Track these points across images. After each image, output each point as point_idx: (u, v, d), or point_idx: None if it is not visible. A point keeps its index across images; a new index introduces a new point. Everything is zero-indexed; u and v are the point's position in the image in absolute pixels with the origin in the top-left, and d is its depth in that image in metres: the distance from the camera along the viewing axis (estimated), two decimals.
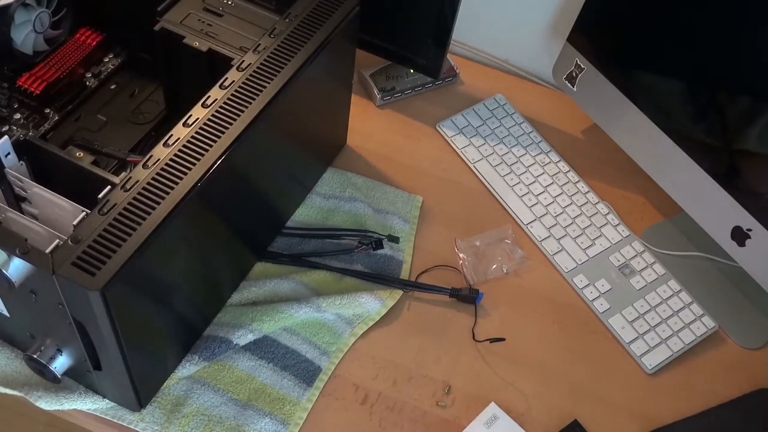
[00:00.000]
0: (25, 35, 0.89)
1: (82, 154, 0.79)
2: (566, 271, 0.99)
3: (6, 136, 0.77)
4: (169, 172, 0.69)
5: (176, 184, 0.69)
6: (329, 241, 0.97)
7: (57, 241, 0.64)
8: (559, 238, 1.01)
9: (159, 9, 0.87)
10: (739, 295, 0.98)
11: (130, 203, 0.67)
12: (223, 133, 0.73)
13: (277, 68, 0.79)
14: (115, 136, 0.92)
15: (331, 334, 0.90)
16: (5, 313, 0.76)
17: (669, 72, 0.94)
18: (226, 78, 0.77)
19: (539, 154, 1.10)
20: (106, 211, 0.66)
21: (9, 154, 0.78)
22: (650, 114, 0.96)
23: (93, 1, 0.95)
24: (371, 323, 0.91)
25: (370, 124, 1.11)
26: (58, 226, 0.68)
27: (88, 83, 0.95)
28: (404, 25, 1.05)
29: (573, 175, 1.07)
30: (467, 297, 0.94)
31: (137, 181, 0.68)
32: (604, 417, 0.88)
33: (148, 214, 0.66)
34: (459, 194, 1.05)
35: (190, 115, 0.74)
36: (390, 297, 0.93)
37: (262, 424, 0.82)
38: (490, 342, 0.91)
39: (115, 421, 0.81)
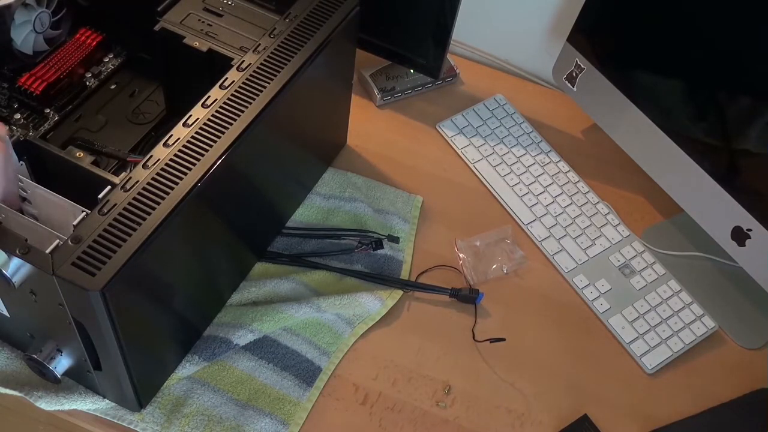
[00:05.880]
0: (25, 35, 0.89)
1: (82, 154, 0.79)
2: (566, 271, 0.99)
3: None
4: (169, 173, 0.69)
5: (176, 184, 0.69)
6: (329, 241, 0.97)
7: (57, 241, 0.64)
8: (559, 238, 1.01)
9: (159, 9, 0.87)
10: (739, 295, 0.98)
11: (130, 203, 0.67)
12: (223, 133, 0.73)
13: (277, 68, 0.79)
14: (115, 136, 0.92)
15: (331, 334, 0.90)
16: (5, 313, 0.76)
17: (669, 72, 0.94)
18: (226, 78, 0.77)
19: (539, 154, 1.10)
20: (106, 211, 0.66)
21: None
22: (650, 114, 0.96)
23: (93, 1, 0.95)
24: (371, 323, 0.91)
25: (370, 124, 1.11)
26: (58, 226, 0.68)
27: (88, 83, 0.95)
28: (404, 25, 1.05)
29: (573, 175, 1.07)
30: (467, 297, 0.94)
31: (137, 181, 0.68)
32: (604, 417, 0.88)
33: (148, 214, 0.66)
34: (459, 194, 1.05)
35: (190, 115, 0.74)
36: (390, 297, 0.93)
37: (263, 424, 0.82)
38: (490, 342, 0.91)
39: (115, 421, 0.81)
